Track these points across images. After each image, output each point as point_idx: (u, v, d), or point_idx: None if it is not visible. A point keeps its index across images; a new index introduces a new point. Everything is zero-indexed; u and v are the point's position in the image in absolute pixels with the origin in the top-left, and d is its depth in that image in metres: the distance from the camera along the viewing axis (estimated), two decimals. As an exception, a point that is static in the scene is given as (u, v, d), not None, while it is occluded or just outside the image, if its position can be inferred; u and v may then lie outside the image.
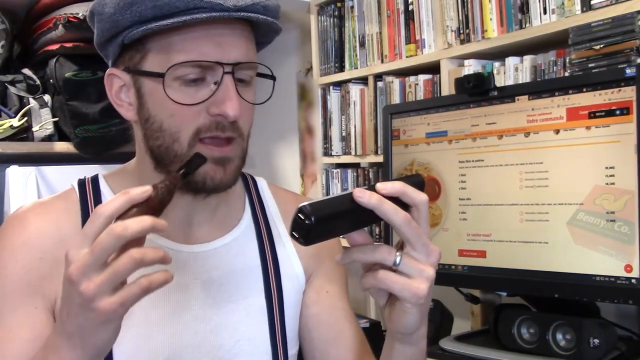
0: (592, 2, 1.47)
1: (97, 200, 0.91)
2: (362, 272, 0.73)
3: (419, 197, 0.70)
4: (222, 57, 0.81)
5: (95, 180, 0.94)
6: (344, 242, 0.76)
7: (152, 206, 0.68)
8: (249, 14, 0.81)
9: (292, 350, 0.97)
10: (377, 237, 2.06)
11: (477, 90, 1.39)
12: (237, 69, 0.82)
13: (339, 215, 0.68)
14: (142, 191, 0.67)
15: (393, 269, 0.70)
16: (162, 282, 0.66)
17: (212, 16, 0.78)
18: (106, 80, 0.87)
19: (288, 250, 0.99)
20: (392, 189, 0.69)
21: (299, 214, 0.65)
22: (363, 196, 0.67)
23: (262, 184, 1.04)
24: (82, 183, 0.93)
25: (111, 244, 0.63)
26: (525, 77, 1.62)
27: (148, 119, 0.85)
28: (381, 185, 0.69)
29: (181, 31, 0.81)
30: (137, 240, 0.66)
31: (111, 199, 0.66)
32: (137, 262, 0.64)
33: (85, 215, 0.89)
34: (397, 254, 0.69)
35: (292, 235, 0.66)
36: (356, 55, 2.20)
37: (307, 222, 0.64)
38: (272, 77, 0.89)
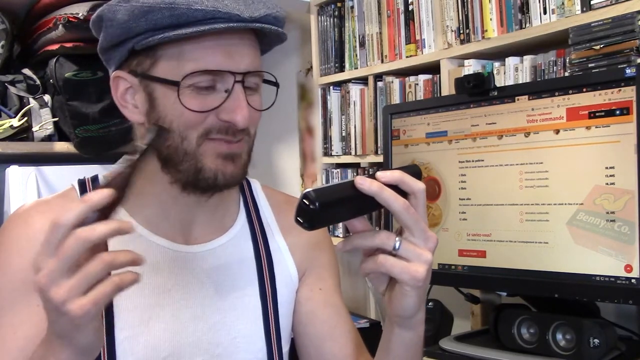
0: (592, 2, 1.47)
1: None
2: (362, 258, 0.74)
3: (416, 185, 0.73)
4: (233, 67, 0.83)
5: (95, 180, 0.95)
6: (336, 241, 0.77)
7: (112, 201, 0.66)
8: (263, 25, 0.83)
9: (286, 347, 1.00)
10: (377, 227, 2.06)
11: (477, 90, 1.38)
12: (246, 78, 0.85)
13: (342, 201, 0.70)
14: (102, 197, 0.64)
15: (392, 253, 0.72)
16: (132, 281, 0.66)
17: (230, 27, 0.80)
18: (112, 83, 0.89)
19: (282, 250, 1.01)
20: (392, 177, 0.72)
21: (304, 200, 0.67)
22: (364, 183, 0.69)
23: (256, 186, 1.06)
24: (82, 183, 0.95)
25: (76, 249, 0.63)
26: (525, 77, 1.61)
27: (157, 120, 0.86)
28: (381, 174, 0.71)
29: (193, 39, 0.82)
30: (103, 243, 0.65)
31: (70, 208, 0.64)
32: (108, 264, 0.64)
33: None
34: (397, 239, 0.72)
35: (296, 221, 0.68)
36: (356, 55, 2.19)
37: (311, 207, 0.66)
38: (276, 84, 0.91)
